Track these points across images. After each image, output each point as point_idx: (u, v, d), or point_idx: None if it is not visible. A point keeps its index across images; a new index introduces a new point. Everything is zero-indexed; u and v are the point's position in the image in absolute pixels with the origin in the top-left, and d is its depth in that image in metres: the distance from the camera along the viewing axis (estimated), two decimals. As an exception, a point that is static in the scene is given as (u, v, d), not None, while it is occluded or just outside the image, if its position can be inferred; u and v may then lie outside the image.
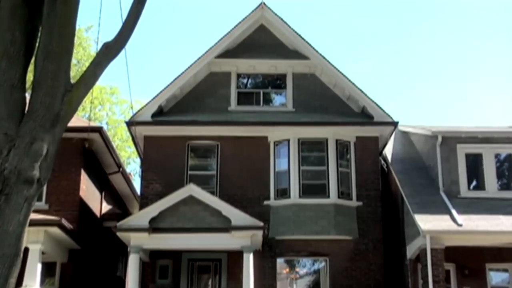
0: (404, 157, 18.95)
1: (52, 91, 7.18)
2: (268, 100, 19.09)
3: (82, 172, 17.71)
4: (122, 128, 32.08)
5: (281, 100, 19.02)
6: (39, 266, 14.98)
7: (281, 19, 18.74)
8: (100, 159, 19.48)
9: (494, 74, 46.05)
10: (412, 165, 18.35)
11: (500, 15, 44.01)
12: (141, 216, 15.69)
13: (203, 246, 15.87)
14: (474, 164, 17.07)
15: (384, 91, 47.24)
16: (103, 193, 20.44)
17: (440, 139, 16.97)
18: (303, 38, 18.55)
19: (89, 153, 18.19)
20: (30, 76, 7.47)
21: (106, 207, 20.80)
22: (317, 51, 18.44)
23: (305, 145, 17.71)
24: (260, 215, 16.34)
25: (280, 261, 17.19)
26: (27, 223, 6.98)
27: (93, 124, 20.21)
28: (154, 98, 17.97)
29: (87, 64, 28.12)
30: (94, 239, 18.73)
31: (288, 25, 18.67)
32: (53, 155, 7.16)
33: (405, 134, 20.39)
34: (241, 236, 15.37)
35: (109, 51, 7.68)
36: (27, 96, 7.40)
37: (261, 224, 15.54)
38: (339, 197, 17.15)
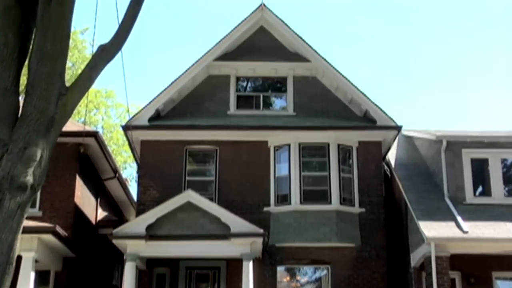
0: (408, 162, 18.94)
1: (47, 95, 7.17)
2: (268, 104, 19.09)
3: (77, 177, 17.69)
4: (118, 133, 32.08)
5: (282, 104, 19.03)
6: (32, 275, 14.95)
7: (282, 20, 18.75)
8: (96, 164, 19.47)
9: (500, 77, 46.14)
10: (416, 170, 18.34)
11: (507, 18, 44.10)
12: (138, 223, 15.66)
13: (202, 254, 15.84)
14: (480, 169, 17.06)
15: (387, 94, 47.30)
16: (99, 200, 20.43)
17: (445, 143, 16.96)
18: (304, 40, 18.57)
19: (84, 158, 18.18)
20: (23, 79, 7.46)
21: (101, 214, 20.78)
22: (318, 54, 18.45)
23: (306, 150, 17.70)
24: (260, 222, 16.32)
25: (280, 269, 17.17)
26: (20, 230, 6.96)
27: (88, 128, 20.20)
28: (151, 101, 17.98)
29: (82, 67, 28.13)
30: (89, 246, 18.70)
31: (289, 27, 18.68)
32: (47, 160, 7.15)
33: (409, 138, 20.38)
34: (240, 244, 15.35)
35: (105, 54, 7.68)
36: (21, 99, 7.39)
37: (261, 231, 15.52)
38: (341, 203, 17.14)
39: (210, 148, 17.98)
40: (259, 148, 17.84)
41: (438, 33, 47.13)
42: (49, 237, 15.39)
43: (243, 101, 18.85)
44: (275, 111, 18.98)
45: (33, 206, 15.87)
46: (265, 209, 17.29)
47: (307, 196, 17.21)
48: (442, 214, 15.72)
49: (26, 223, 7.87)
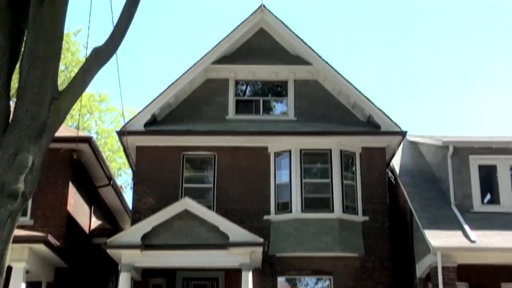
0: (413, 169, 18.93)
1: (39, 99, 7.16)
2: (268, 109, 19.09)
3: (70, 185, 17.67)
4: (113, 138, 32.09)
5: (282, 109, 19.02)
6: (23, 286, 14.91)
7: (282, 22, 18.77)
8: (89, 171, 19.45)
9: (505, 82, 46.17)
10: (422, 177, 18.33)
11: (510, 22, 44.20)
12: (133, 232, 15.63)
13: (199, 264, 15.82)
14: (488, 176, 17.04)
15: (391, 99, 47.39)
16: (93, 208, 20.40)
17: (451, 149, 16.95)
18: (305, 43, 18.58)
19: (77, 165, 18.17)
20: (15, 83, 7.44)
21: (95, 223, 20.76)
22: (320, 56, 18.46)
23: (307, 156, 17.69)
24: (260, 230, 16.29)
25: (281, 280, 17.13)
26: (11, 240, 6.94)
27: (82, 134, 20.21)
28: (147, 106, 17.98)
29: (75, 70, 28.18)
30: (82, 256, 18.67)
31: (290, 29, 18.70)
32: (39, 167, 7.14)
33: (414, 144, 20.38)
34: (239, 253, 15.32)
35: (99, 57, 7.68)
36: (12, 104, 7.38)
37: (261, 240, 15.49)
38: (343, 211, 17.12)
39: (208, 154, 17.97)
40: (259, 154, 17.82)
41: (443, 37, 47.26)
42: (40, 247, 15.36)
43: (242, 106, 18.85)
44: (275, 116, 18.98)
45: (24, 214, 15.89)
46: (265, 217, 17.26)
47: (309, 204, 17.19)
48: (448, 223, 15.70)
49: (17, 232, 7.84)
